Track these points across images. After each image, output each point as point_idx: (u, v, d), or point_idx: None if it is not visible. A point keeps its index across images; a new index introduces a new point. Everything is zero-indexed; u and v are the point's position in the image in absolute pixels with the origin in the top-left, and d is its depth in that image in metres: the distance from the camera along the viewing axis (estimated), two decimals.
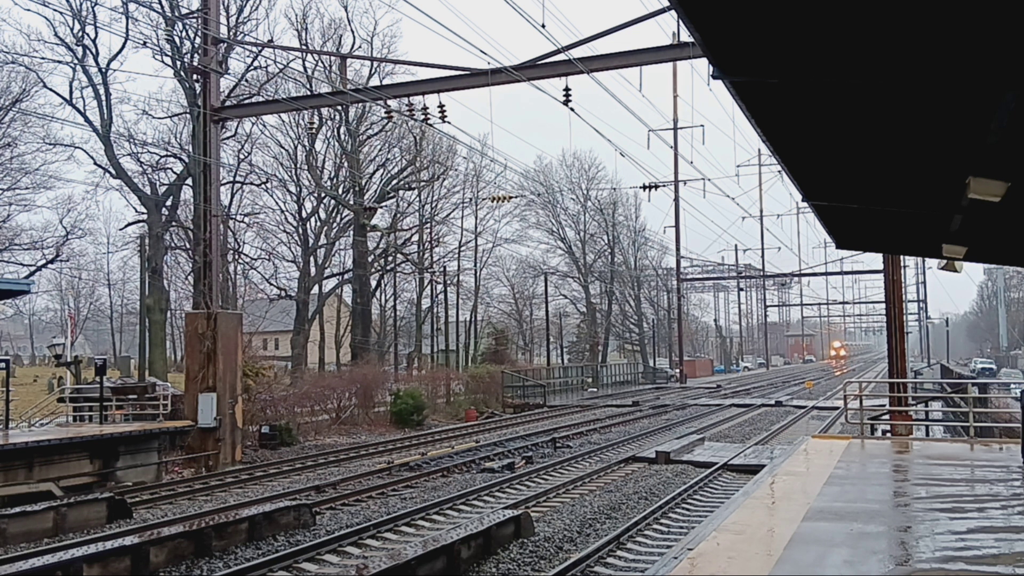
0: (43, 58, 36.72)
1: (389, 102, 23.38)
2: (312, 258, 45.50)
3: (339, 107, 36.20)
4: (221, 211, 26.33)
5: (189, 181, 36.42)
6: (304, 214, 45.64)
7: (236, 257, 40.85)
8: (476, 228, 57.76)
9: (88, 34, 36.81)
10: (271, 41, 35.18)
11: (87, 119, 37.56)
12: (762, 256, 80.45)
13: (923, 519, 8.48)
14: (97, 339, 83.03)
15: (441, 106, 21.16)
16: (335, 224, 47.37)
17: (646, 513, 13.83)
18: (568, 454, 22.13)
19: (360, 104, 35.18)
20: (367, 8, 73.30)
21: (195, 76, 27.97)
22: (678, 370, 64.21)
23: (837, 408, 31.76)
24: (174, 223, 39.48)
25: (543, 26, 17.65)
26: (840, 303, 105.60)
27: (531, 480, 18.33)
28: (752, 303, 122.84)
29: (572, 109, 19.88)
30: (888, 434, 17.76)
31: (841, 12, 3.90)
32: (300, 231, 45.37)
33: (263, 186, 42.67)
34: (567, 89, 19.43)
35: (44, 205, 48.16)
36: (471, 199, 55.58)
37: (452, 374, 43.59)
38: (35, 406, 25.82)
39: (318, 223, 46.55)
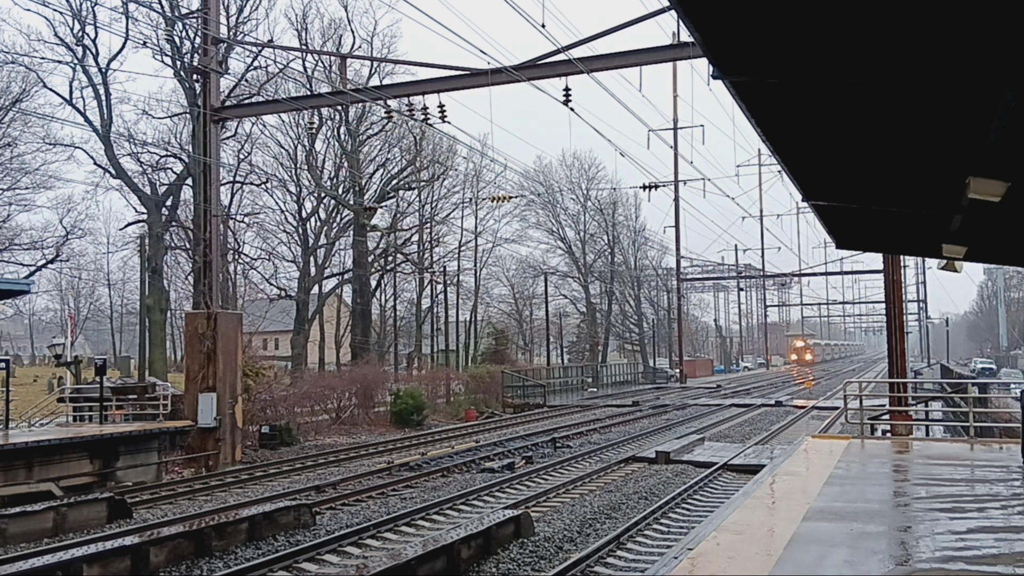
0: (43, 58, 36.77)
1: (389, 102, 23.38)
2: (312, 258, 45.50)
3: (339, 107, 36.19)
4: (221, 211, 26.33)
5: (189, 181, 36.41)
6: (304, 214, 45.66)
7: (236, 257, 40.85)
8: (476, 228, 57.83)
9: (88, 34, 36.85)
10: (271, 41, 35.19)
11: (87, 119, 37.57)
12: (762, 256, 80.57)
13: (923, 519, 8.47)
14: (97, 339, 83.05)
15: (441, 106, 21.17)
16: (335, 224, 47.38)
17: (646, 513, 13.83)
18: (568, 454, 22.13)
19: (360, 104, 35.17)
20: (367, 8, 73.37)
21: (195, 76, 27.97)
22: (678, 370, 64.19)
23: (837, 408, 31.75)
24: (174, 223, 39.47)
25: (543, 26, 17.66)
26: (840, 303, 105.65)
27: (531, 480, 18.32)
28: (752, 303, 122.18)
29: (572, 109, 19.89)
30: (888, 434, 17.75)
31: (841, 12, 3.90)
32: (300, 231, 45.38)
33: (263, 186, 42.71)
34: (567, 89, 19.43)
35: (44, 205, 48.13)
36: (471, 199, 55.61)
37: (452, 374, 43.58)
38: (35, 406, 25.82)
39: (318, 223, 46.56)
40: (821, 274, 78.00)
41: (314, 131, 42.00)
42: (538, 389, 44.31)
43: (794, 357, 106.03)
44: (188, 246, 38.41)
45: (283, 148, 44.27)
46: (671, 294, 75.07)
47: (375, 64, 41.30)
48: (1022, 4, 3.53)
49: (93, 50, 36.97)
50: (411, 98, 22.14)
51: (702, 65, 23.67)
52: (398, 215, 51.03)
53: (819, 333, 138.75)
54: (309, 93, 34.04)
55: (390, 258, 50.60)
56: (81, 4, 36.07)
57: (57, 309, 73.98)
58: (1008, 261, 18.46)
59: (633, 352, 76.60)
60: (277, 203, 44.91)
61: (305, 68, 39.28)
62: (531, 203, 64.25)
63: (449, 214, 54.79)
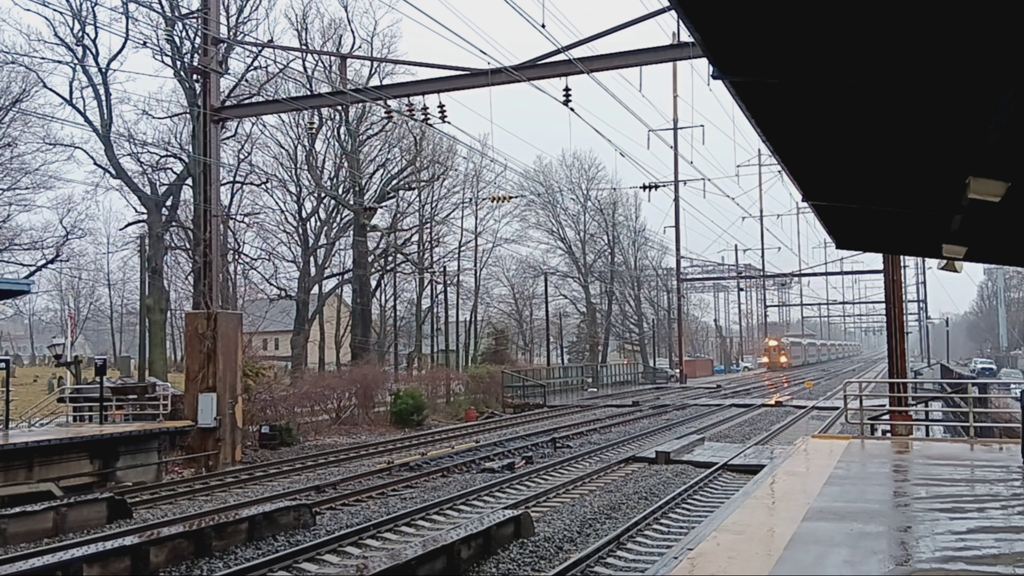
0: (43, 58, 36.78)
1: (389, 102, 23.38)
2: (312, 258, 45.51)
3: (339, 107, 36.20)
4: (221, 211, 26.34)
5: (189, 181, 36.42)
6: (304, 214, 45.69)
7: (236, 257, 40.86)
8: (476, 228, 57.85)
9: (88, 34, 36.86)
10: (271, 41, 35.20)
11: (87, 119, 37.57)
12: (762, 256, 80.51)
13: (923, 519, 8.47)
14: (97, 339, 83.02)
15: (441, 106, 21.17)
16: (335, 224, 47.39)
17: (646, 513, 13.83)
18: (568, 454, 22.12)
19: (360, 104, 35.17)
20: (367, 8, 73.43)
21: (195, 76, 27.98)
22: (678, 370, 64.17)
23: (837, 408, 31.75)
24: (174, 223, 39.48)
25: (543, 26, 17.66)
26: (840, 303, 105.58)
27: (531, 480, 18.32)
28: (752, 303, 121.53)
29: (572, 109, 19.90)
30: (888, 434, 17.75)
31: (840, 12, 3.90)
32: (300, 231, 45.40)
33: (263, 186, 42.73)
34: (567, 89, 19.43)
35: (44, 205, 48.08)
36: (471, 199, 55.68)
37: (452, 374, 43.57)
38: (35, 406, 25.84)
39: (318, 223, 46.57)
40: (821, 274, 78.15)
41: (314, 131, 42.03)
42: (538, 389, 44.30)
43: (765, 360, 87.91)
44: (188, 246, 38.41)
45: (283, 148, 44.36)
46: (671, 294, 75.05)
47: (375, 64, 41.33)
48: (1022, 4, 3.53)
49: (93, 50, 37.01)
50: (411, 98, 22.15)
51: (702, 65, 23.68)
52: (398, 215, 51.05)
53: (819, 333, 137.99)
54: (309, 93, 34.05)
55: (390, 258, 50.61)
56: (81, 4, 36.13)
57: (57, 309, 74.13)
58: (1008, 261, 18.46)
59: (633, 352, 76.56)
60: (277, 203, 45.02)
61: (305, 68, 39.32)
62: (531, 203, 64.35)
63: (449, 214, 54.90)
